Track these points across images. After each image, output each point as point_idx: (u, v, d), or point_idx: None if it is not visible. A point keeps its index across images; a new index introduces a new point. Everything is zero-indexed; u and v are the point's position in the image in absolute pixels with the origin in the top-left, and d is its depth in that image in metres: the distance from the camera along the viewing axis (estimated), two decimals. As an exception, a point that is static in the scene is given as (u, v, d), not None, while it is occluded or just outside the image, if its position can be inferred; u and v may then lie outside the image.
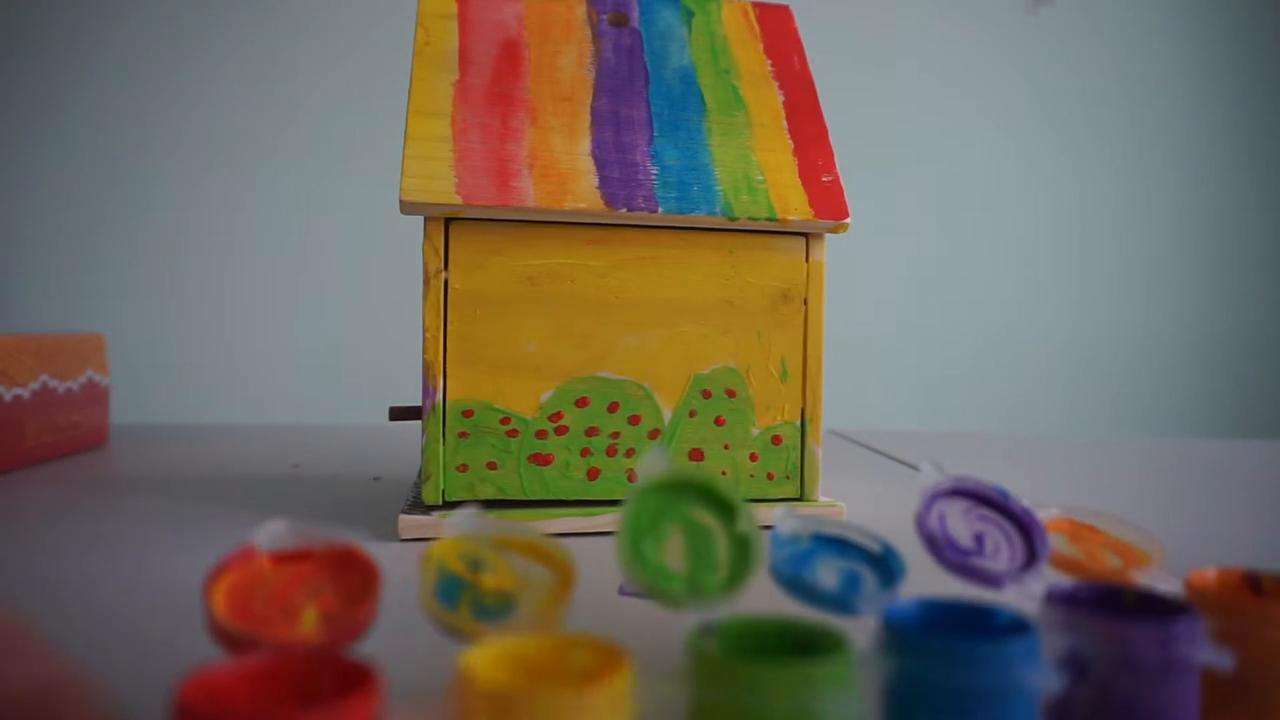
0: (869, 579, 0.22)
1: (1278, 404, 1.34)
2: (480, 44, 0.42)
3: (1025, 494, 0.48)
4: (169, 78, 1.07)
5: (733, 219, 0.39)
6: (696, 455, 0.40)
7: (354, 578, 0.19)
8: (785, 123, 0.43)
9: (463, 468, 0.38)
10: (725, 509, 0.21)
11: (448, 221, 0.37)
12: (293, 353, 1.10)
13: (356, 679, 0.16)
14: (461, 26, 0.42)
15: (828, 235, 0.41)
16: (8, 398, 0.52)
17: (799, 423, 0.41)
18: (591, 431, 0.39)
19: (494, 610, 0.19)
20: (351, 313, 1.11)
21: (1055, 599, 0.20)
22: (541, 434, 0.39)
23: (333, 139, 1.10)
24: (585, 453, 0.39)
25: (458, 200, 0.36)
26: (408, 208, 0.37)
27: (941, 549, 0.23)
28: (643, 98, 0.42)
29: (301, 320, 1.10)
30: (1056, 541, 0.24)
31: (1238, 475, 0.61)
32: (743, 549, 0.20)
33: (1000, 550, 0.23)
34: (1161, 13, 1.30)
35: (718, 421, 0.40)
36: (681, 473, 0.21)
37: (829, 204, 0.40)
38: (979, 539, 0.23)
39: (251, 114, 1.09)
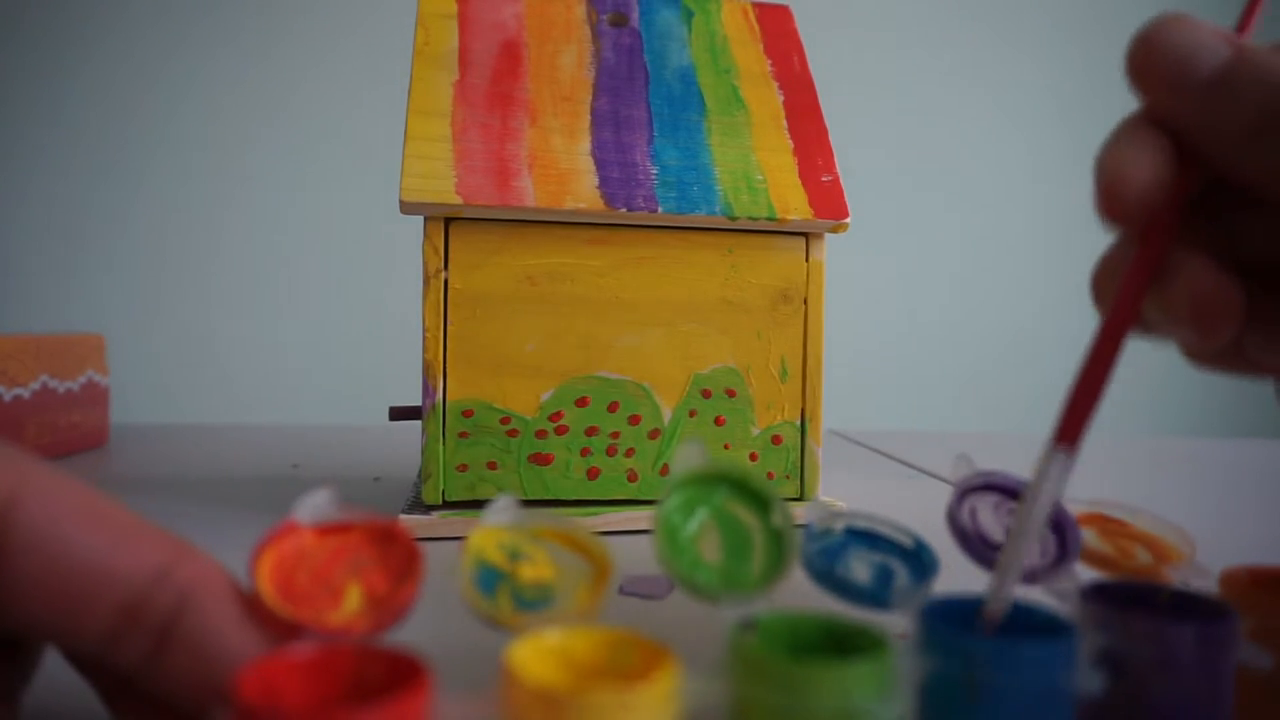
0: (901, 573, 0.22)
1: None
2: (480, 44, 0.42)
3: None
4: (169, 78, 1.07)
5: (733, 219, 0.39)
6: (696, 455, 0.40)
7: (397, 555, 0.19)
8: (785, 123, 0.43)
9: (463, 468, 0.38)
10: (760, 503, 0.21)
11: (448, 221, 0.37)
12: (293, 353, 1.10)
13: (407, 673, 0.16)
14: (461, 26, 0.42)
15: (828, 235, 0.41)
16: (8, 398, 0.52)
17: (799, 422, 0.41)
18: (591, 431, 0.39)
19: (533, 601, 0.19)
20: (351, 313, 1.11)
21: (1092, 596, 0.20)
22: (541, 434, 0.39)
23: (333, 139, 1.10)
24: (585, 452, 0.39)
25: (458, 200, 0.36)
26: (408, 208, 0.37)
27: (973, 543, 0.22)
28: (643, 98, 0.42)
29: (302, 320, 1.10)
30: (1087, 537, 0.24)
31: (1248, 474, 0.61)
32: (778, 543, 0.20)
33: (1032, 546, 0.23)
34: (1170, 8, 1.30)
35: (718, 421, 0.40)
36: (717, 466, 0.21)
37: (829, 204, 0.40)
38: (1010, 534, 0.23)
39: (252, 114, 1.09)
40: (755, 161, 0.41)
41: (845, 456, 0.65)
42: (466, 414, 0.38)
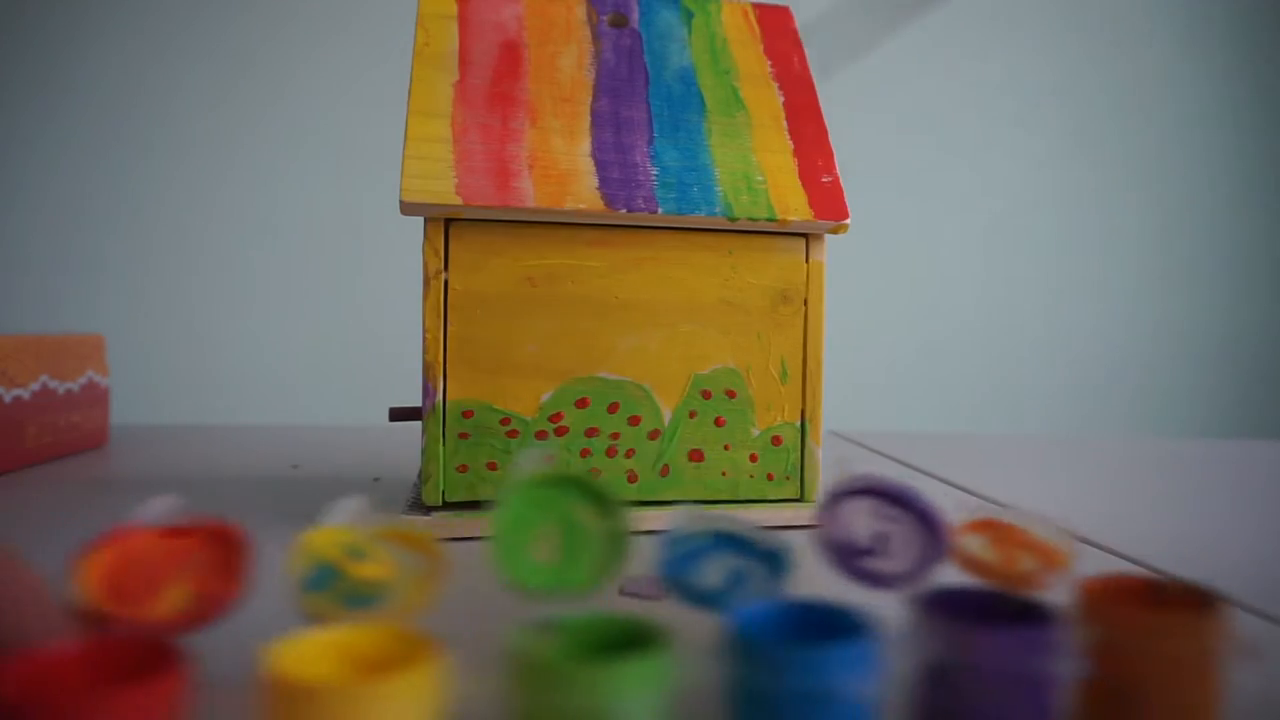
0: (756, 576, 0.22)
1: None
2: (480, 44, 0.42)
3: (1025, 496, 0.48)
4: (168, 79, 1.07)
5: (733, 219, 0.39)
6: (696, 456, 0.40)
7: (229, 558, 0.20)
8: (785, 123, 0.43)
9: (463, 468, 0.38)
10: (604, 506, 0.21)
11: (448, 222, 0.37)
12: (293, 353, 1.10)
13: (165, 661, 0.16)
14: (461, 27, 0.42)
15: (828, 236, 0.41)
16: (8, 398, 0.52)
17: (799, 423, 0.41)
18: (591, 432, 0.39)
19: (363, 598, 0.20)
20: (351, 313, 1.11)
21: (921, 604, 0.20)
22: (541, 434, 0.39)
23: (333, 140, 1.10)
24: (585, 453, 0.39)
25: (458, 201, 0.36)
26: (408, 208, 0.37)
27: (839, 549, 0.23)
28: (643, 98, 0.42)
29: (301, 321, 1.10)
30: (975, 543, 0.24)
31: (1250, 475, 0.61)
32: (614, 545, 0.21)
33: (901, 550, 0.23)
34: (1172, 10, 1.30)
35: (718, 422, 0.40)
36: (563, 471, 0.21)
37: (829, 204, 0.40)
38: (880, 539, 0.23)
39: (252, 114, 1.09)
40: (755, 162, 0.41)
41: (845, 457, 0.65)
42: (466, 415, 0.38)
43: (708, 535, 0.23)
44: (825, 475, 0.25)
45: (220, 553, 0.20)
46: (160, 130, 1.07)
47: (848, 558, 0.22)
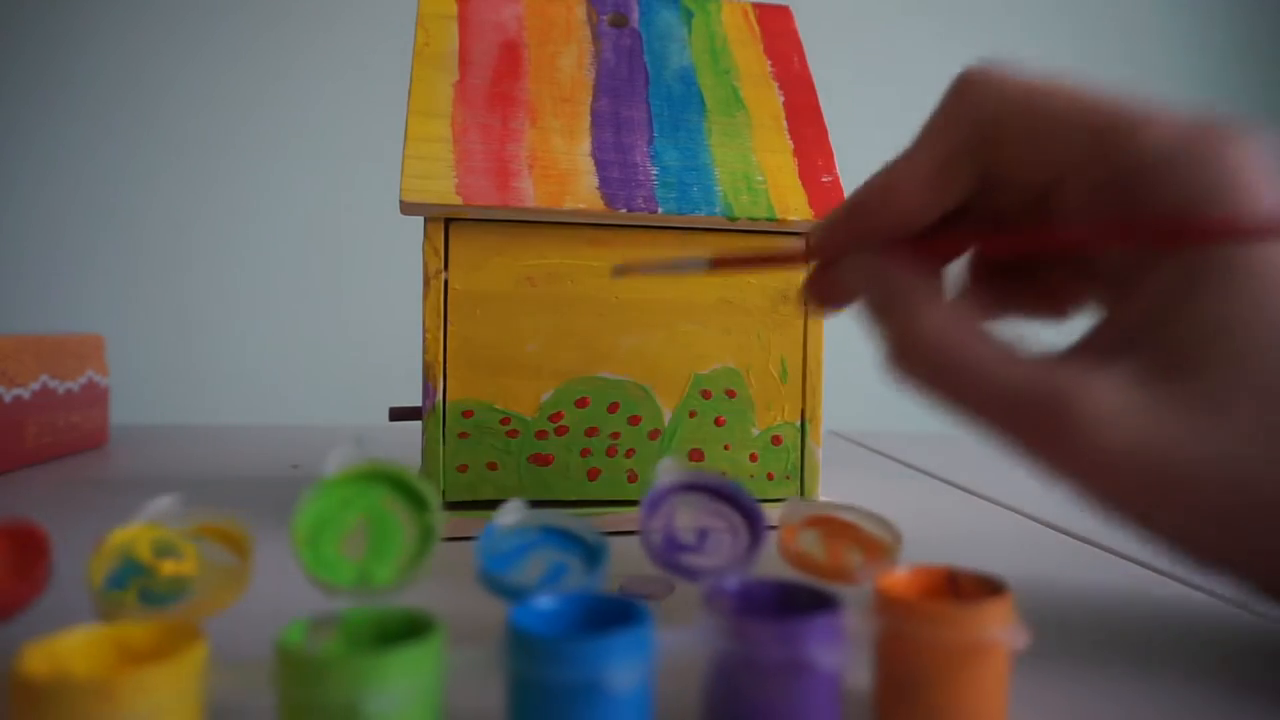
0: (576, 569, 0.22)
1: None
2: (480, 45, 0.42)
3: (1025, 495, 0.48)
4: (168, 78, 1.07)
5: (733, 219, 0.39)
6: (696, 455, 0.40)
7: (27, 556, 0.20)
8: (785, 123, 0.43)
9: (463, 468, 0.38)
10: (417, 500, 0.21)
11: (448, 222, 0.37)
12: (292, 353, 1.10)
13: None
14: (461, 27, 0.42)
15: (828, 236, 0.41)
16: (8, 398, 0.52)
17: (799, 423, 0.41)
18: (591, 432, 0.39)
19: (164, 596, 0.20)
20: (351, 313, 1.11)
21: (709, 597, 0.20)
22: (541, 434, 0.39)
23: (332, 139, 1.10)
24: (585, 453, 0.39)
25: (458, 200, 0.36)
26: (407, 208, 0.37)
27: (651, 546, 0.23)
28: (643, 98, 0.42)
29: (301, 320, 1.10)
30: (806, 539, 0.24)
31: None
32: (425, 540, 0.20)
33: (722, 546, 0.23)
34: (1174, 12, 1.30)
35: (718, 422, 0.40)
36: (375, 464, 0.21)
37: (829, 205, 0.40)
38: (702, 534, 0.24)
39: (250, 114, 1.09)
40: (755, 162, 0.41)
41: (845, 456, 0.65)
42: (466, 414, 0.38)
43: (534, 530, 0.23)
44: (661, 469, 0.26)
45: (18, 552, 0.20)
46: (159, 130, 1.07)
47: (669, 553, 0.23)
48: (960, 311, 0.24)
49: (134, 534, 0.21)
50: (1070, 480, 0.22)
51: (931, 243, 0.27)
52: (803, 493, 0.41)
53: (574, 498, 0.39)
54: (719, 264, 0.32)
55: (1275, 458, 0.20)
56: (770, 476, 0.41)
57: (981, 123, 0.25)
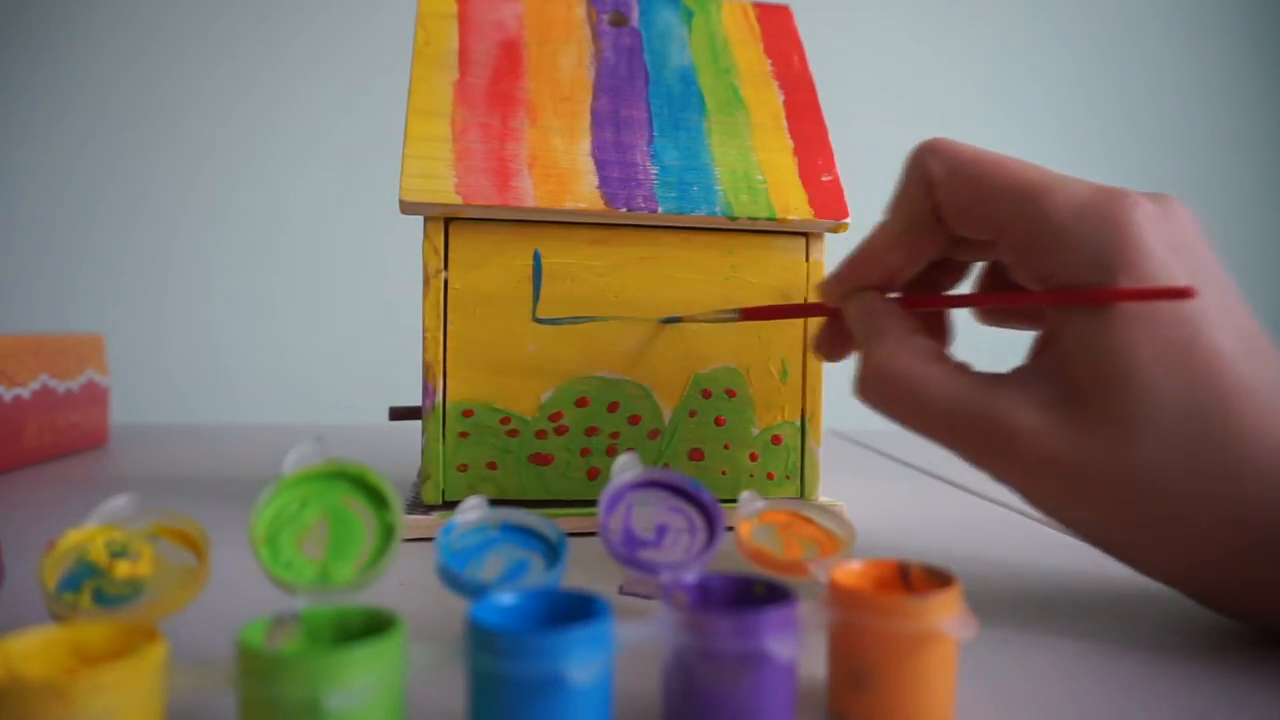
0: (537, 566, 0.23)
1: None
2: (480, 44, 0.42)
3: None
4: (168, 77, 1.07)
5: (733, 219, 0.39)
6: (697, 455, 0.40)
7: None
8: (785, 123, 0.43)
9: (463, 468, 0.38)
10: (378, 499, 0.21)
11: (448, 221, 0.37)
12: (292, 353, 1.10)
13: None
14: (461, 26, 0.42)
15: (828, 235, 0.41)
16: (8, 398, 0.52)
17: (799, 422, 0.41)
18: (591, 431, 0.39)
19: (119, 597, 0.20)
20: (351, 313, 1.11)
21: (667, 591, 0.21)
22: (541, 434, 0.39)
23: (332, 139, 1.10)
24: (585, 453, 0.39)
25: (458, 200, 0.36)
26: (407, 208, 0.37)
27: (611, 542, 0.23)
28: (643, 98, 0.42)
29: (301, 320, 1.10)
30: (764, 534, 0.25)
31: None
32: (387, 538, 0.20)
33: (680, 542, 0.24)
34: (1172, 12, 1.30)
35: (718, 421, 0.40)
36: (334, 462, 0.21)
37: (829, 204, 0.40)
38: (661, 530, 0.24)
39: (250, 114, 1.09)
40: (755, 162, 0.41)
41: (845, 456, 0.65)
42: (466, 414, 0.38)
43: (495, 527, 0.24)
44: (619, 465, 0.26)
45: None
46: (158, 130, 1.07)
47: (628, 549, 0.23)
48: (913, 343, 0.28)
49: (88, 535, 0.21)
50: (1006, 482, 0.26)
51: (918, 294, 0.32)
52: (803, 492, 0.41)
53: (573, 497, 0.39)
54: (748, 314, 0.37)
55: (1176, 467, 0.23)
56: (770, 476, 0.41)
57: (934, 188, 0.29)
